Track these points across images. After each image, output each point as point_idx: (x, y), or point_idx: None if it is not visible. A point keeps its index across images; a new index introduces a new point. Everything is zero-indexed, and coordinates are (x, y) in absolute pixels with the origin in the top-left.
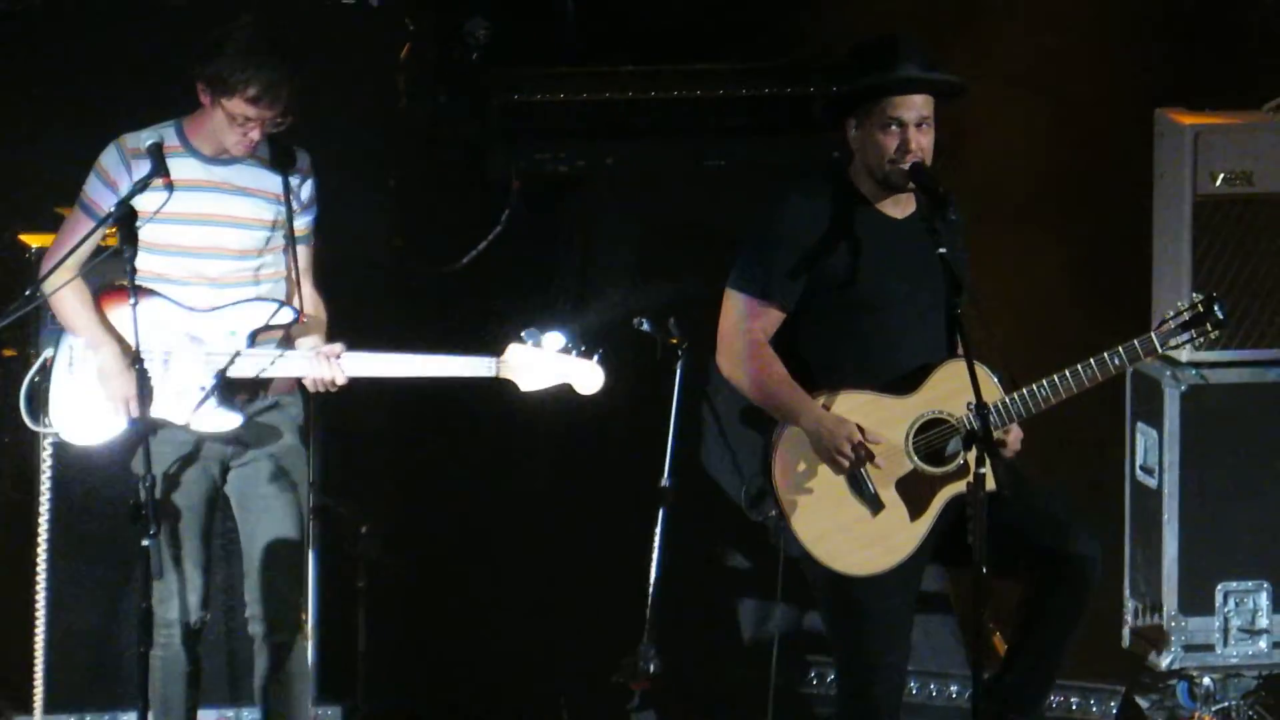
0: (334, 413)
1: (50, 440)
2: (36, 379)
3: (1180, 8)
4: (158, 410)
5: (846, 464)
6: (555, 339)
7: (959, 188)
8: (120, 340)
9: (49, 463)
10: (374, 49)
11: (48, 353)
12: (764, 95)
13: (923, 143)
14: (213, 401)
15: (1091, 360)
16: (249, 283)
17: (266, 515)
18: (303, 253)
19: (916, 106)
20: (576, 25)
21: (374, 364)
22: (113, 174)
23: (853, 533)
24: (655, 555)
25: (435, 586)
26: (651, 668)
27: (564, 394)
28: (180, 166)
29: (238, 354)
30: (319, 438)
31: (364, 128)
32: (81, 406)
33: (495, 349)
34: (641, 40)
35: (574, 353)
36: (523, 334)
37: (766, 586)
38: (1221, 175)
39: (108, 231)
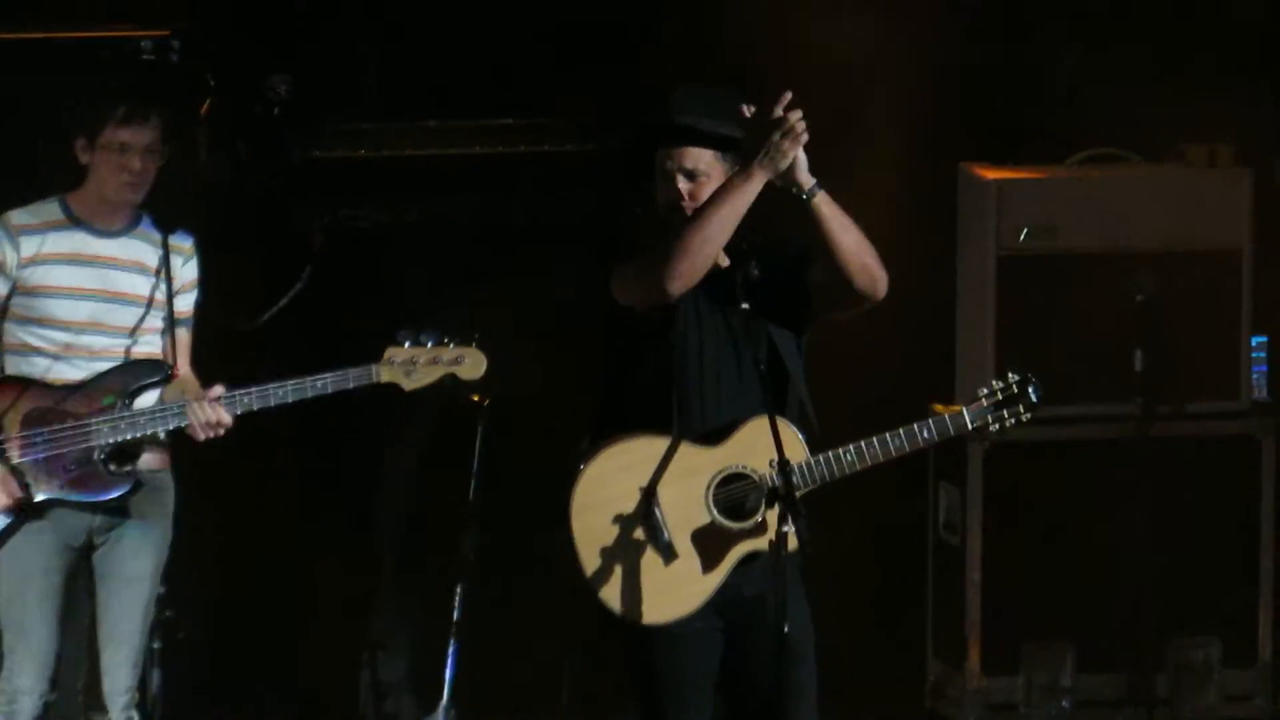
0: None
1: None
2: None
3: (984, 63)
4: (49, 490)
5: (799, 132)
6: (429, 335)
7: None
8: None
9: None
10: (175, 104)
11: None
12: (565, 152)
13: (696, 193)
14: (104, 470)
15: (901, 430)
16: (124, 359)
17: (116, 598)
18: (183, 335)
19: (688, 158)
20: (378, 80)
21: (257, 398)
22: None
23: (642, 578)
24: (455, 614)
25: (230, 644)
26: None
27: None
28: (67, 240)
29: (122, 417)
30: None
31: (164, 183)
32: None
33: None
34: (443, 95)
35: (451, 343)
36: (396, 335)
37: (573, 646)
38: (1025, 230)
39: None
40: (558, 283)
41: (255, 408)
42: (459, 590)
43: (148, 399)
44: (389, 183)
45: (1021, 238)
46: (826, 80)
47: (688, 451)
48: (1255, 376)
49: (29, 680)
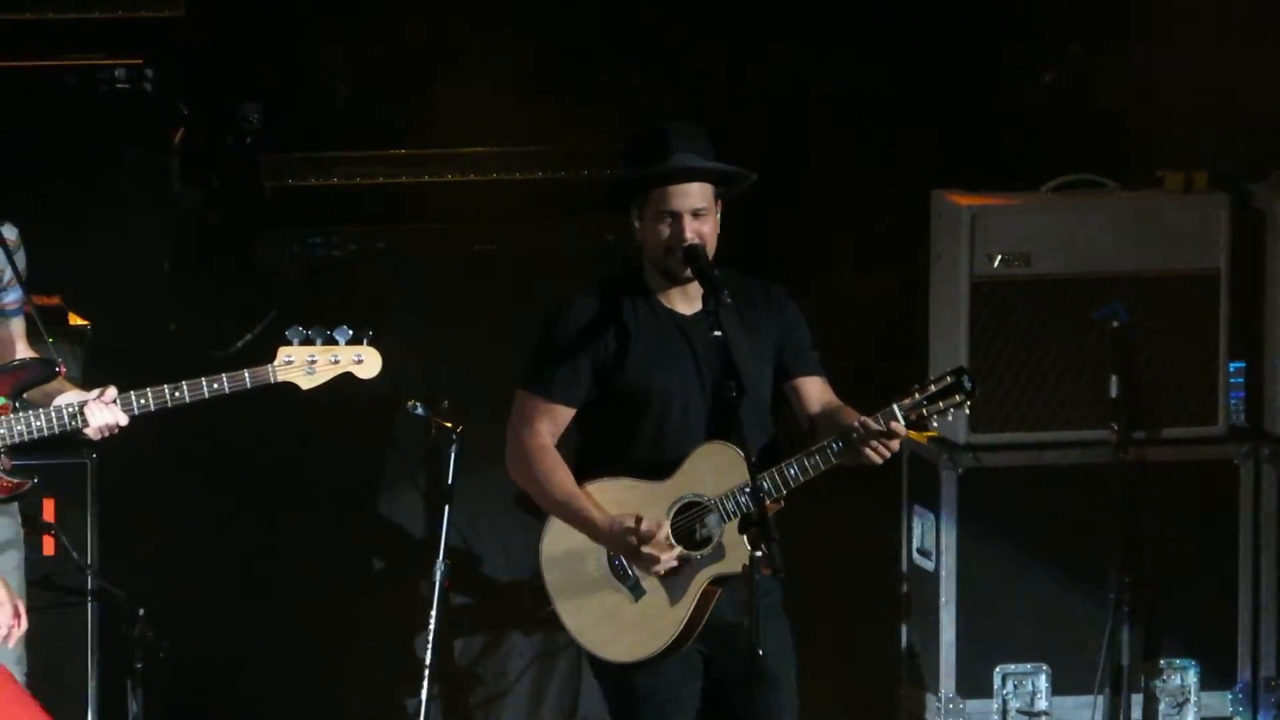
0: (110, 495)
1: None
2: None
3: (956, 89)
4: None
5: (658, 566)
6: (318, 332)
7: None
8: None
9: None
10: (148, 133)
11: None
12: (536, 179)
13: (702, 231)
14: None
15: (837, 436)
16: None
17: None
18: (16, 324)
19: (691, 196)
20: (349, 109)
21: (151, 399)
22: None
23: (616, 619)
24: (430, 639)
25: (212, 666)
26: None
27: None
28: None
29: (20, 417)
30: (95, 520)
31: (138, 212)
32: None
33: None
34: (414, 124)
35: (343, 340)
36: (287, 333)
37: (546, 675)
38: (999, 257)
39: None
40: (528, 311)
41: (152, 408)
42: (435, 612)
43: (33, 399)
44: (360, 212)
45: (995, 264)
46: (801, 105)
47: (640, 488)
48: (1233, 402)
49: None
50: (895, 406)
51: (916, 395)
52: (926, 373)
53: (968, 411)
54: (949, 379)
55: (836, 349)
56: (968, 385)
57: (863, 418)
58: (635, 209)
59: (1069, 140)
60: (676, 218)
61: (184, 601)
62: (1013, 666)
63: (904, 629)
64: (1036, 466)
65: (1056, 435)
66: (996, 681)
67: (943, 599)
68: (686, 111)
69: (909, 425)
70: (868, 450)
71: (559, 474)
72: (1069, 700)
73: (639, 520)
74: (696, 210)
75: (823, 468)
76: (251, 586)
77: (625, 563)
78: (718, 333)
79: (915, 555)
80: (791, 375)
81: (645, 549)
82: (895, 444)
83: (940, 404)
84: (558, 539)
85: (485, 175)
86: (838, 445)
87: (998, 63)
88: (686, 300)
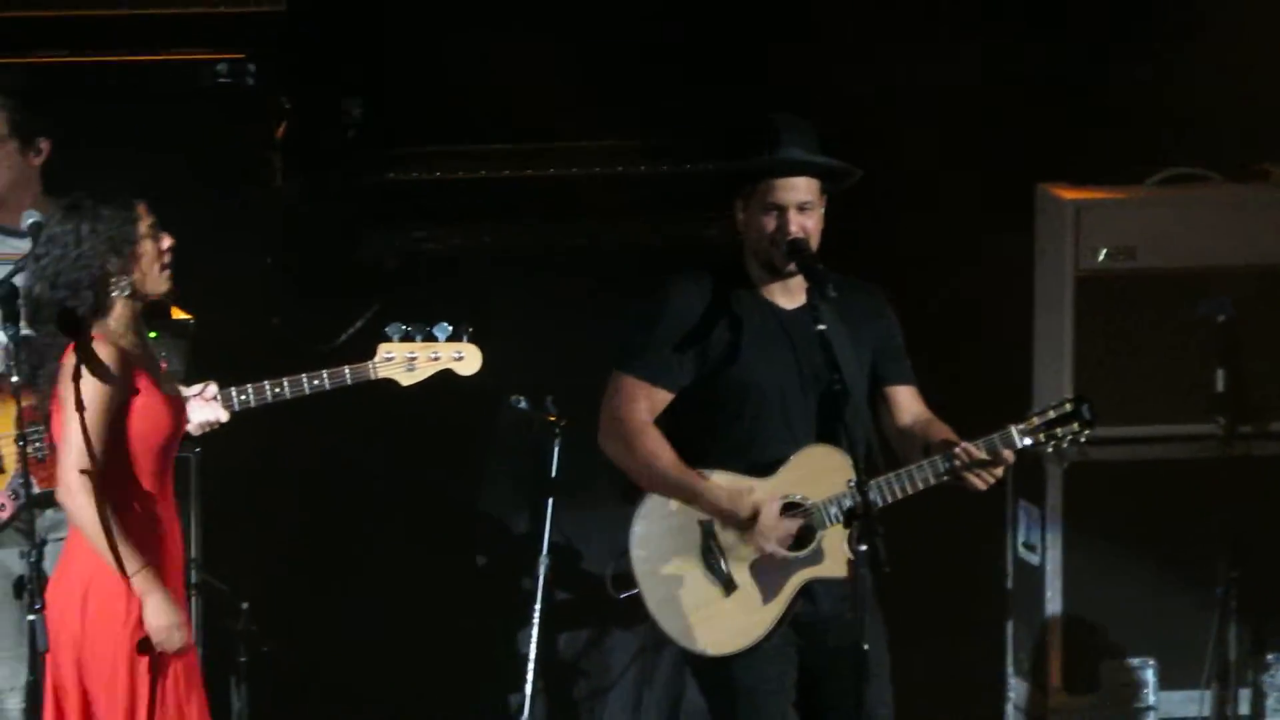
0: (212, 490)
1: None
2: None
3: (1061, 82)
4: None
5: (769, 545)
6: (417, 329)
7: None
8: None
9: None
10: (250, 127)
11: None
12: (640, 173)
13: (806, 225)
14: None
15: (950, 452)
16: None
17: None
18: None
19: (798, 190)
20: (449, 104)
21: (252, 395)
22: None
23: (704, 612)
24: (534, 633)
25: (314, 660)
26: None
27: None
28: None
29: None
30: (199, 515)
31: (240, 207)
32: None
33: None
34: (514, 118)
35: (443, 337)
36: (386, 329)
37: (650, 670)
38: (1104, 251)
39: None
40: (632, 304)
41: (253, 404)
42: (538, 606)
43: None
44: (463, 206)
45: (1100, 258)
46: (909, 101)
47: (743, 484)
48: None
49: None
50: (1014, 431)
51: (1035, 420)
52: (1031, 369)
53: (1084, 441)
54: (1069, 406)
55: (937, 348)
56: (1087, 415)
57: (964, 444)
58: (740, 200)
59: (1171, 133)
60: (782, 211)
61: (286, 596)
62: (1119, 661)
63: (1009, 623)
64: (1142, 461)
65: (1162, 429)
66: (1103, 676)
67: (1048, 593)
68: (777, 105)
69: (1028, 451)
70: (970, 477)
71: (665, 451)
72: (1176, 695)
73: (754, 495)
74: (802, 204)
75: (933, 482)
76: (353, 581)
77: (719, 555)
78: (821, 326)
79: (1020, 549)
80: (885, 382)
81: (761, 525)
82: (1000, 471)
83: (1058, 431)
84: (653, 521)
85: (588, 169)
86: (945, 465)
87: (1097, 55)
88: (788, 295)
